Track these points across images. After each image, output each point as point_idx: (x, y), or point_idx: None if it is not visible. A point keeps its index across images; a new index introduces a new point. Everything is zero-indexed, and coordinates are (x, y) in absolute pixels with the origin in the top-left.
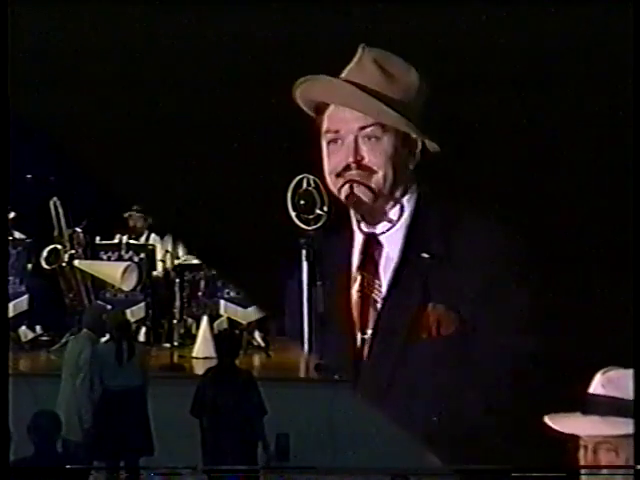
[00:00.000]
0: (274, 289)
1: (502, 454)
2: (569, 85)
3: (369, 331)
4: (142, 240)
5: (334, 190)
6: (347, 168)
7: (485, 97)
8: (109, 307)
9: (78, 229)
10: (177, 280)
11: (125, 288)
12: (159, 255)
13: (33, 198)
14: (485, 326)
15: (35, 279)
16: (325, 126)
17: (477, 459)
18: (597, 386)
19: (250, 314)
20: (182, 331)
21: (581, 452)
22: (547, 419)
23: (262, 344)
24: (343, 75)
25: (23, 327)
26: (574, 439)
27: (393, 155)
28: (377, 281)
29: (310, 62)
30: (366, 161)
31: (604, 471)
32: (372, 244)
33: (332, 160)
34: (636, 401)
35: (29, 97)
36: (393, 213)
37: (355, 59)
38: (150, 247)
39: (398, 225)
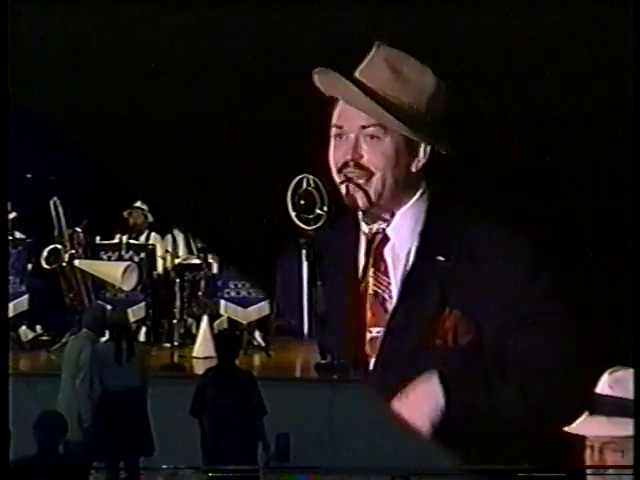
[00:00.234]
0: (275, 288)
1: (509, 455)
2: (574, 85)
3: (377, 329)
4: (142, 239)
5: (338, 184)
6: (346, 165)
7: (495, 97)
8: (109, 307)
9: (78, 229)
10: (177, 280)
11: (125, 288)
12: (159, 252)
13: (33, 198)
14: (499, 329)
15: (35, 279)
16: (333, 120)
17: (484, 459)
18: (604, 386)
19: (250, 314)
20: (182, 331)
21: (587, 452)
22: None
23: (262, 344)
24: (357, 72)
25: (23, 327)
26: (580, 439)
27: (393, 157)
28: (385, 278)
29: (312, 61)
30: (364, 160)
31: (610, 471)
32: (377, 240)
33: (335, 155)
34: (636, 401)
35: (30, 94)
36: (396, 212)
37: (368, 57)
38: (150, 247)
39: (405, 222)
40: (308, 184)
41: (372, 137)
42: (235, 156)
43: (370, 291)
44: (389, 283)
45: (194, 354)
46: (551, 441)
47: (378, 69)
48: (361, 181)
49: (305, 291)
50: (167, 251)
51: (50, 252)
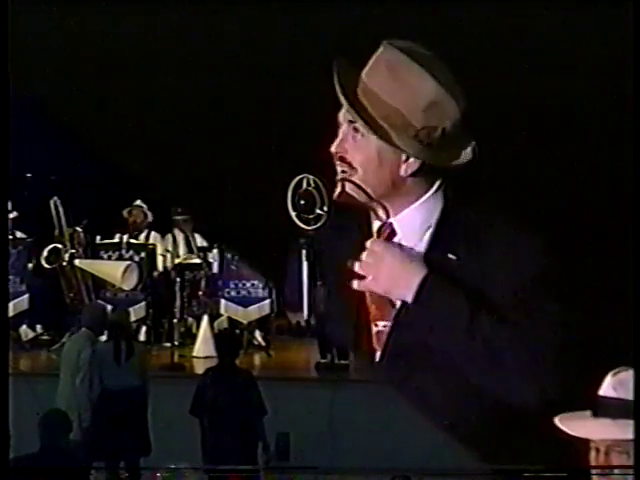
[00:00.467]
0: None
1: (513, 455)
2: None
3: (384, 323)
4: (142, 238)
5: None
6: (334, 156)
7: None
8: (108, 306)
9: (78, 228)
10: (178, 279)
11: (126, 287)
12: (159, 252)
13: (33, 197)
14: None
15: (36, 278)
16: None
17: (487, 459)
18: (608, 388)
19: (250, 313)
20: (182, 330)
21: (592, 454)
22: (558, 422)
23: (263, 343)
24: (363, 72)
25: (24, 326)
26: (585, 441)
27: (376, 157)
28: None
29: (314, 60)
30: (347, 155)
31: (616, 471)
32: (385, 234)
33: (332, 146)
34: (636, 401)
35: (30, 91)
36: (406, 206)
37: (373, 57)
38: (151, 246)
39: (415, 218)
40: (308, 184)
41: (357, 132)
42: (235, 155)
43: None
44: None
45: (194, 354)
46: (556, 443)
47: (378, 71)
48: (345, 175)
49: (305, 291)
50: (167, 250)
51: (50, 251)
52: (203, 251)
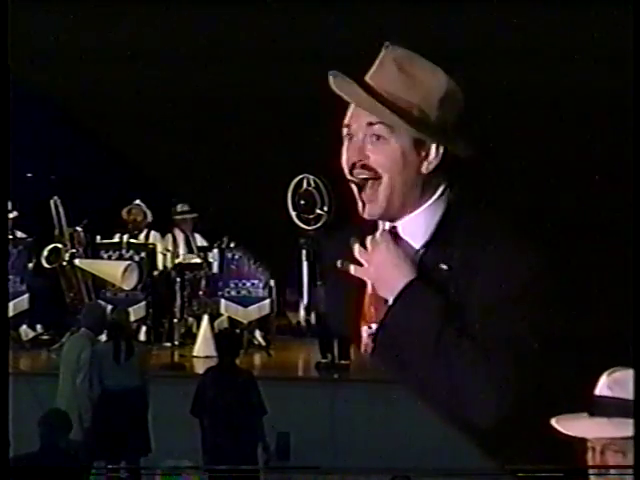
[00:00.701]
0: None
1: (508, 456)
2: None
3: (376, 324)
4: (142, 238)
5: (351, 185)
6: (353, 167)
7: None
8: (109, 306)
9: (79, 228)
10: (178, 279)
11: (126, 287)
12: (159, 250)
13: (34, 197)
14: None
15: (36, 278)
16: (345, 120)
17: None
18: (603, 388)
19: (251, 313)
20: (183, 330)
21: (589, 454)
22: (554, 422)
23: (263, 343)
24: (367, 75)
25: (24, 326)
26: (582, 440)
27: (400, 157)
28: None
29: (319, 61)
30: (371, 161)
31: (612, 471)
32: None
33: (346, 156)
34: (636, 401)
35: (30, 89)
36: (412, 210)
37: (378, 59)
38: (151, 246)
39: (419, 222)
40: (308, 184)
41: (378, 137)
42: (236, 155)
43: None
44: None
45: (194, 353)
46: (552, 441)
47: (387, 71)
48: (368, 184)
49: (305, 291)
50: (167, 250)
51: (50, 251)
52: (203, 251)
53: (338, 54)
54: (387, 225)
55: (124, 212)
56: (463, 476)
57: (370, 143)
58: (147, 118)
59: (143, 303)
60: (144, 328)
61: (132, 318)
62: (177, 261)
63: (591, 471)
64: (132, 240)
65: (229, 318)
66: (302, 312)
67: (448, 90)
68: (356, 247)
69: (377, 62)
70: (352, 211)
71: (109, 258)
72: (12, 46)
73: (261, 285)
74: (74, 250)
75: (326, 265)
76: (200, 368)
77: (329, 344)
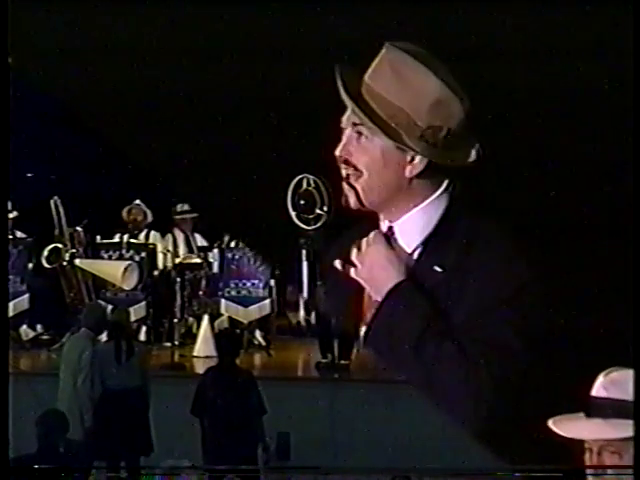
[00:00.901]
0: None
1: (503, 457)
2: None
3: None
4: (142, 238)
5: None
6: (338, 159)
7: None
8: (109, 306)
9: (79, 228)
10: (178, 279)
11: (126, 287)
12: (160, 248)
13: (34, 197)
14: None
15: (36, 278)
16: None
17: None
18: (599, 388)
19: (251, 313)
20: (183, 330)
21: (586, 455)
22: (550, 423)
23: (263, 343)
24: (366, 75)
25: (24, 326)
26: (579, 441)
27: (380, 158)
28: None
29: (315, 60)
30: (352, 158)
31: (609, 471)
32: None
33: (336, 150)
34: (636, 402)
35: (30, 90)
36: (410, 209)
37: (376, 59)
38: (151, 246)
39: (416, 221)
40: (308, 184)
41: (361, 135)
42: (236, 155)
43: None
44: None
45: (195, 353)
46: (550, 443)
47: (382, 73)
48: (351, 178)
49: (305, 291)
50: (167, 250)
51: (51, 251)
52: (203, 251)
53: (341, 53)
54: (386, 226)
55: (124, 212)
56: (463, 476)
57: (355, 139)
58: (147, 118)
59: (143, 303)
60: (144, 328)
61: (132, 318)
62: (177, 261)
63: (589, 471)
64: (132, 240)
65: (229, 318)
66: (302, 312)
67: (440, 96)
68: (354, 251)
69: (375, 62)
70: (351, 211)
71: (109, 258)
72: (12, 45)
73: (261, 285)
74: (74, 250)
75: (326, 265)
76: (200, 368)
77: (329, 344)
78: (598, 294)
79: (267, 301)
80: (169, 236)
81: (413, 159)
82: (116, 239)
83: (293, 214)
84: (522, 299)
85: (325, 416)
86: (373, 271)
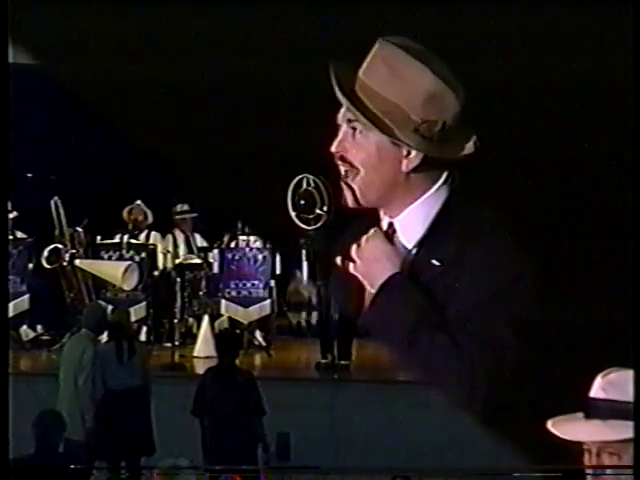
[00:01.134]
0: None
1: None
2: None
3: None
4: (142, 238)
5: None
6: (335, 156)
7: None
8: (110, 307)
9: (79, 228)
10: (178, 279)
11: (126, 287)
12: (160, 249)
13: (34, 198)
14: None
15: (36, 278)
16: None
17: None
18: (598, 390)
19: (251, 313)
20: (183, 330)
21: (586, 456)
22: (550, 425)
23: (263, 343)
24: (360, 71)
25: (24, 326)
26: (578, 443)
27: (376, 154)
28: None
29: (314, 60)
30: (348, 154)
31: (608, 471)
32: (389, 233)
33: (332, 146)
34: (636, 402)
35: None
36: (409, 203)
37: (370, 55)
38: (151, 246)
39: (416, 216)
40: (308, 184)
41: (355, 131)
42: (236, 155)
43: None
44: None
45: (195, 354)
46: (548, 444)
47: (376, 68)
48: (349, 176)
49: (305, 291)
50: (168, 250)
51: (51, 252)
52: (203, 251)
53: (339, 50)
54: (386, 222)
55: (125, 212)
56: (463, 476)
57: (350, 136)
58: (147, 118)
59: (143, 303)
60: (145, 328)
61: (133, 318)
62: (177, 261)
63: (588, 472)
64: (132, 240)
65: (229, 318)
66: (302, 312)
67: (435, 90)
68: (354, 247)
69: (369, 58)
70: (351, 210)
71: (109, 258)
72: (13, 47)
73: (261, 285)
74: (74, 250)
75: (326, 265)
76: (200, 368)
77: (330, 344)
78: (597, 289)
79: (267, 301)
80: (169, 236)
81: (409, 153)
82: (116, 239)
83: (293, 214)
84: (517, 293)
85: (325, 416)
86: (370, 266)
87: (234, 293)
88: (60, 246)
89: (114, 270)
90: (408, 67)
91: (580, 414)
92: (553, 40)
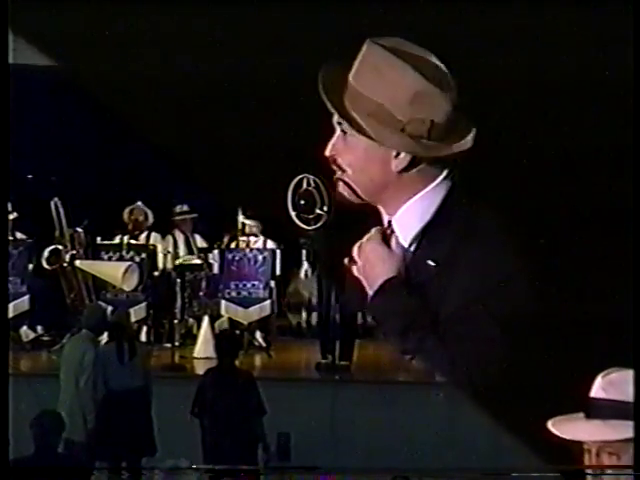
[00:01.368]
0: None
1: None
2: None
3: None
4: (143, 239)
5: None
6: (329, 160)
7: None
8: (110, 307)
9: (79, 229)
10: (178, 280)
11: (126, 288)
12: (160, 249)
13: (34, 198)
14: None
15: (36, 279)
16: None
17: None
18: (598, 390)
19: (251, 314)
20: (183, 331)
21: (586, 456)
22: (550, 425)
23: (263, 344)
24: (350, 75)
25: (24, 327)
26: (578, 442)
27: (364, 155)
28: None
29: (315, 60)
30: (339, 157)
31: (608, 471)
32: (388, 232)
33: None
34: (636, 402)
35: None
36: (406, 201)
37: (358, 58)
38: (151, 247)
39: (412, 214)
40: (308, 184)
41: (345, 133)
42: (236, 155)
43: None
44: None
45: (195, 354)
46: (548, 444)
47: (362, 71)
48: (340, 174)
49: (305, 292)
50: (168, 251)
51: (51, 252)
52: (203, 252)
53: (339, 52)
54: (386, 221)
55: (126, 213)
56: (463, 476)
57: (341, 139)
58: (148, 119)
59: (144, 304)
60: (145, 329)
61: (133, 319)
62: (177, 262)
63: (588, 472)
64: (132, 241)
65: (229, 319)
66: (302, 313)
67: (420, 90)
68: (356, 246)
69: (357, 61)
70: (354, 208)
71: (109, 259)
72: (13, 47)
73: (261, 286)
74: (74, 251)
75: (326, 265)
76: (200, 369)
77: (330, 345)
78: (596, 289)
79: (267, 302)
80: (169, 237)
81: (398, 154)
82: (116, 240)
83: (293, 214)
84: (508, 294)
85: (325, 416)
86: (370, 267)
87: (234, 294)
88: (60, 247)
89: (114, 271)
90: (391, 67)
91: (580, 414)
92: (553, 38)
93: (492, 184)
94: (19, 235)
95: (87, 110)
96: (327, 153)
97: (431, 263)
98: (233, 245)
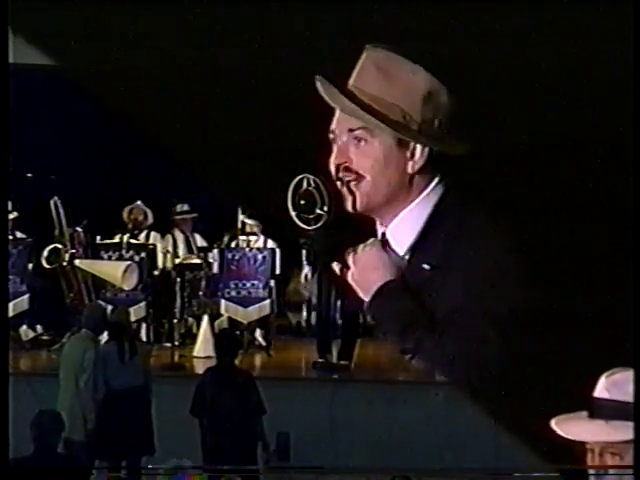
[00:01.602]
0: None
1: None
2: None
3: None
4: (142, 238)
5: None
6: (337, 170)
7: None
8: (109, 307)
9: (79, 228)
10: (178, 279)
11: (126, 287)
12: (160, 249)
13: (34, 197)
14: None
15: (36, 278)
16: (331, 126)
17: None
18: (602, 390)
19: (251, 314)
20: (183, 330)
21: (588, 456)
22: (553, 424)
23: (263, 343)
24: (350, 79)
25: (24, 326)
26: (580, 442)
27: (382, 159)
28: None
29: (316, 63)
30: (353, 163)
31: (610, 471)
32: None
33: (332, 158)
34: (636, 402)
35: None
36: (399, 212)
37: (359, 63)
38: (151, 246)
39: (406, 224)
40: (308, 184)
41: (359, 140)
42: (236, 155)
43: None
44: None
45: (194, 354)
46: (548, 443)
47: (368, 73)
48: (352, 184)
49: (305, 292)
50: (167, 250)
51: (50, 252)
52: (203, 251)
53: (335, 53)
54: (380, 232)
55: (125, 212)
56: (463, 476)
57: (353, 145)
58: (148, 119)
59: (143, 303)
60: (144, 328)
61: (132, 318)
62: (177, 261)
63: (590, 472)
64: (132, 240)
65: (229, 318)
66: (302, 312)
67: (430, 88)
68: (350, 254)
69: (358, 67)
70: (351, 215)
71: (109, 258)
72: (12, 46)
73: (261, 286)
74: (74, 250)
75: (326, 265)
76: (200, 368)
77: (328, 344)
78: (596, 289)
79: (267, 302)
80: (169, 236)
81: (413, 155)
82: (116, 239)
83: (293, 214)
84: (504, 294)
85: (325, 416)
86: (363, 273)
87: (234, 293)
88: (60, 246)
89: (114, 270)
90: (401, 68)
91: (584, 413)
92: (553, 37)
93: (487, 184)
94: (19, 234)
95: (87, 109)
96: (336, 162)
97: (426, 267)
98: (233, 244)
